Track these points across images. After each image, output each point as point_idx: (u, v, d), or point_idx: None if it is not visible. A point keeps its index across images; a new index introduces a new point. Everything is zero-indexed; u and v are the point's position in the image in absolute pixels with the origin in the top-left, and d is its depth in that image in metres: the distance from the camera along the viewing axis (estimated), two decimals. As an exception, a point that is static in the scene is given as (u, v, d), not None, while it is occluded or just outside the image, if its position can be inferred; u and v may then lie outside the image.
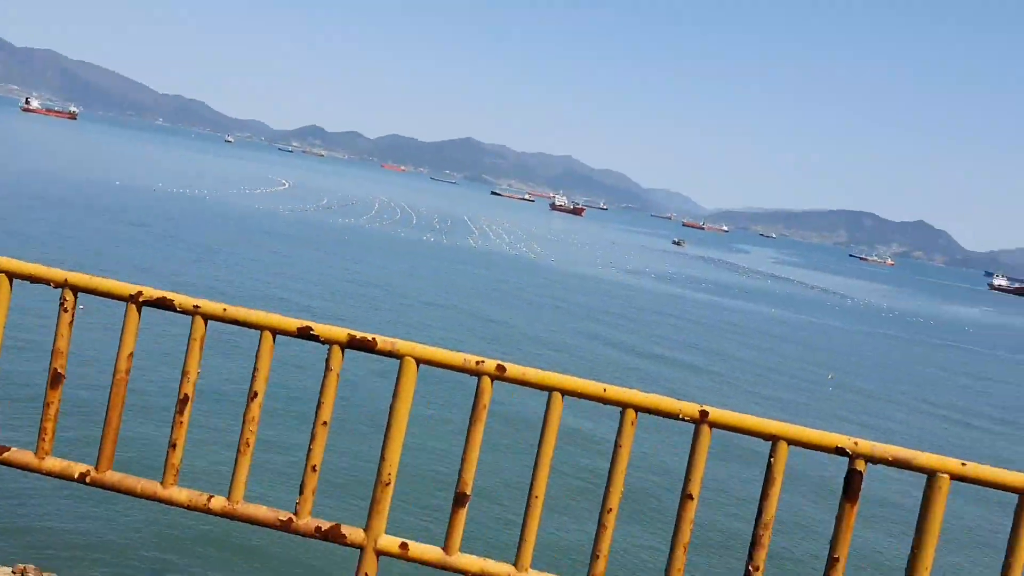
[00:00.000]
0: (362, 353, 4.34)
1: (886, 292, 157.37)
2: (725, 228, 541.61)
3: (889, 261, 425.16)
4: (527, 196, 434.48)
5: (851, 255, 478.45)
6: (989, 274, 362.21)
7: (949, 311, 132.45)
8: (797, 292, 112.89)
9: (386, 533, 3.93)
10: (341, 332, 4.22)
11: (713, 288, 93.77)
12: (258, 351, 4.39)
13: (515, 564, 3.88)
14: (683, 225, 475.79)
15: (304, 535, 4.02)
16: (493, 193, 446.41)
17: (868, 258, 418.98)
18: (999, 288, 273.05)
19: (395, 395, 4.00)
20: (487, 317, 44.47)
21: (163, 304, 4.33)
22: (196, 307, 4.31)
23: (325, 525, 3.94)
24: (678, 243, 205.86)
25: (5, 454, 4.50)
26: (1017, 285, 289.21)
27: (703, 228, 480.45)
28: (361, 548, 3.86)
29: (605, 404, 4.15)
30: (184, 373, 4.34)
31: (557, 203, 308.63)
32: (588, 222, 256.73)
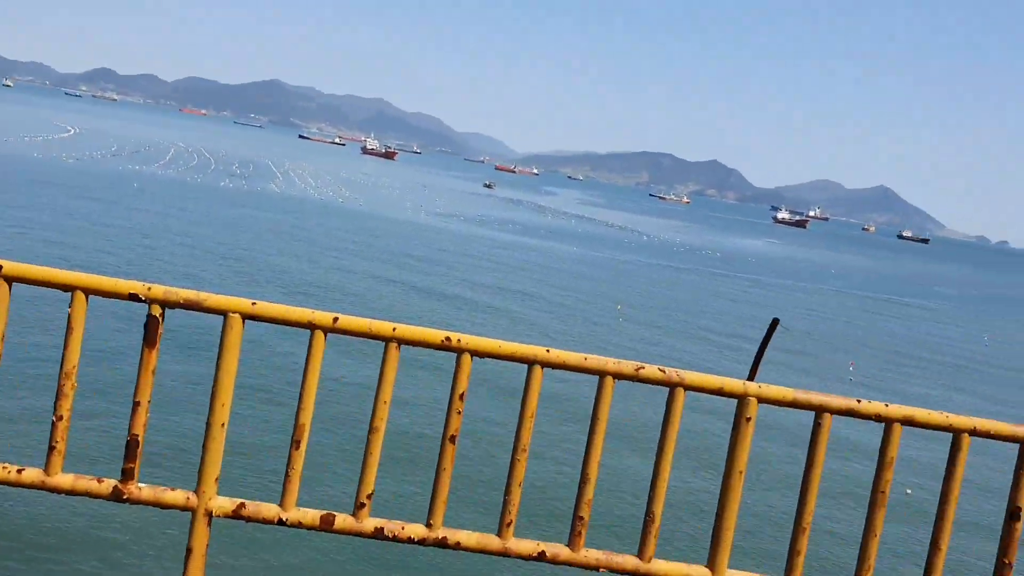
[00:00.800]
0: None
1: (680, 228, 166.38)
2: (535, 171, 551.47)
3: (685, 199, 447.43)
4: (337, 140, 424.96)
5: (651, 195, 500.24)
6: (774, 208, 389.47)
7: (736, 244, 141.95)
8: (599, 231, 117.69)
9: (219, 495, 3.71)
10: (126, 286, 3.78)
11: (520, 229, 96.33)
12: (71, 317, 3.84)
13: (353, 514, 3.75)
14: (495, 169, 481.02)
15: (135, 502, 3.75)
16: (301, 137, 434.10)
17: (666, 197, 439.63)
18: (782, 221, 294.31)
19: (221, 354, 3.73)
20: (281, 266, 44.23)
21: None
22: None
23: (156, 490, 3.69)
24: (489, 186, 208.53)
25: None
26: (797, 217, 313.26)
27: (514, 171, 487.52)
28: (192, 511, 3.63)
29: (439, 349, 3.96)
30: None
31: (368, 147, 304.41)
32: (400, 166, 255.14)
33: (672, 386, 3.65)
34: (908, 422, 3.89)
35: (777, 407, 3.89)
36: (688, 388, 3.66)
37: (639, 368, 3.68)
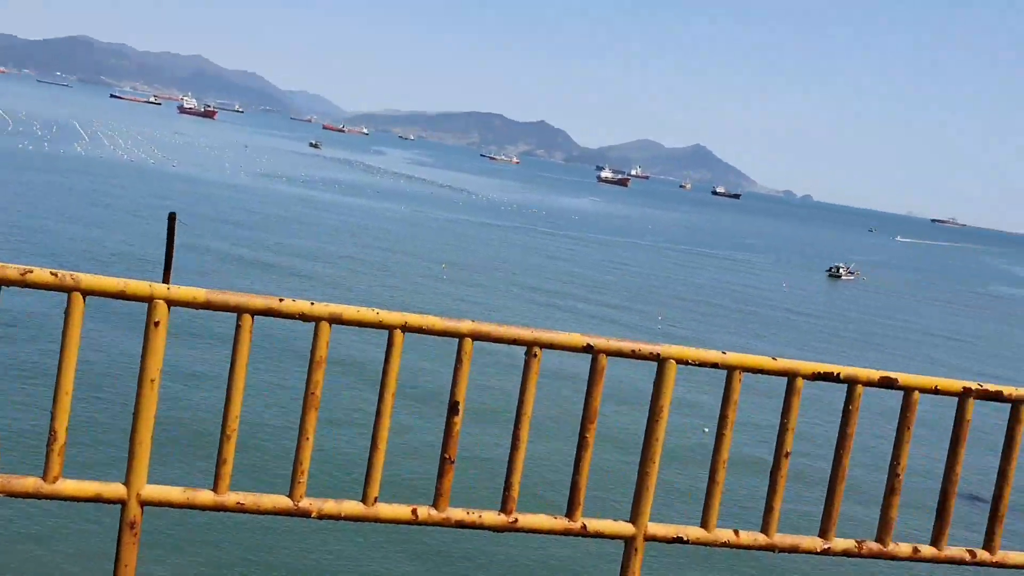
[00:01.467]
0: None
1: (509, 188, 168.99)
2: (365, 131, 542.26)
3: (515, 160, 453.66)
4: (153, 99, 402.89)
5: (482, 155, 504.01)
6: (599, 168, 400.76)
7: (562, 202, 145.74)
8: (429, 191, 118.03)
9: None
10: None
11: (348, 190, 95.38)
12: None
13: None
14: (323, 128, 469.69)
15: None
16: (113, 96, 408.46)
17: (496, 157, 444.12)
18: (606, 180, 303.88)
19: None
20: (65, 232, 42.42)
21: None
22: None
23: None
24: (315, 146, 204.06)
25: None
26: (620, 176, 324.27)
27: (343, 131, 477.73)
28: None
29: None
30: None
31: (186, 106, 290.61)
32: (220, 125, 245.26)
33: (68, 290, 3.40)
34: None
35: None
36: (86, 292, 3.41)
37: (25, 272, 3.36)
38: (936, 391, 4.29)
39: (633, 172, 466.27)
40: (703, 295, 56.23)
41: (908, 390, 4.24)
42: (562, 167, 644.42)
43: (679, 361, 3.99)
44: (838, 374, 4.14)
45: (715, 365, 4.05)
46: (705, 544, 4.14)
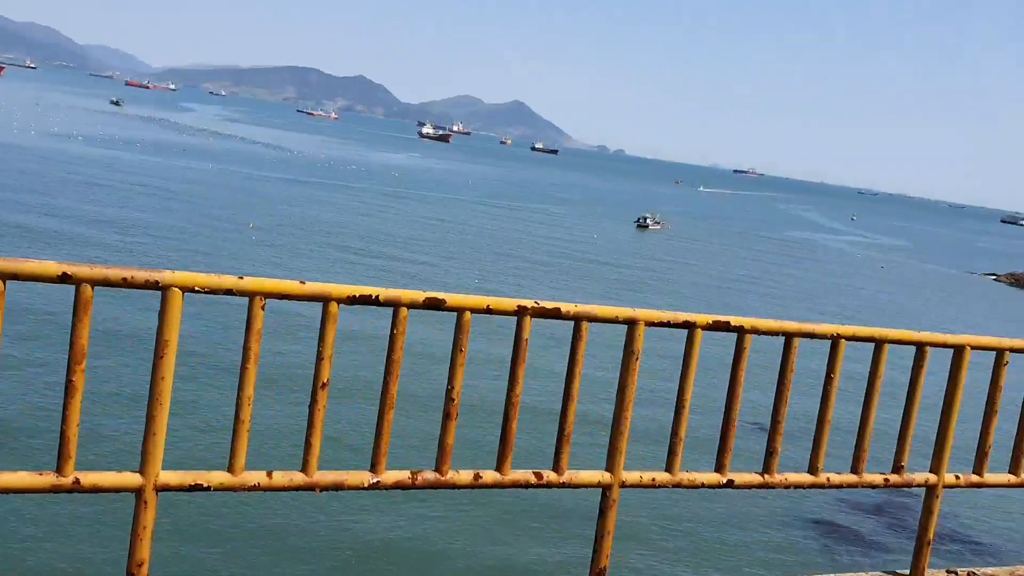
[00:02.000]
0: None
1: (327, 144, 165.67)
2: (172, 86, 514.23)
3: (333, 115, 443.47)
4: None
5: (299, 110, 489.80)
6: (420, 124, 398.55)
7: (381, 158, 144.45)
8: (241, 148, 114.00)
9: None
10: None
11: (151, 149, 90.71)
12: None
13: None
14: (126, 84, 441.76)
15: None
16: None
17: (315, 112, 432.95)
18: (427, 136, 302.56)
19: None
20: None
21: None
22: None
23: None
24: (116, 103, 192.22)
25: None
26: (441, 132, 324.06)
27: (148, 87, 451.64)
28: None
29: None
30: None
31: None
32: (7, 83, 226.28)
33: None
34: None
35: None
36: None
37: None
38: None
39: (454, 128, 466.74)
40: (518, 248, 57.66)
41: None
42: (383, 123, 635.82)
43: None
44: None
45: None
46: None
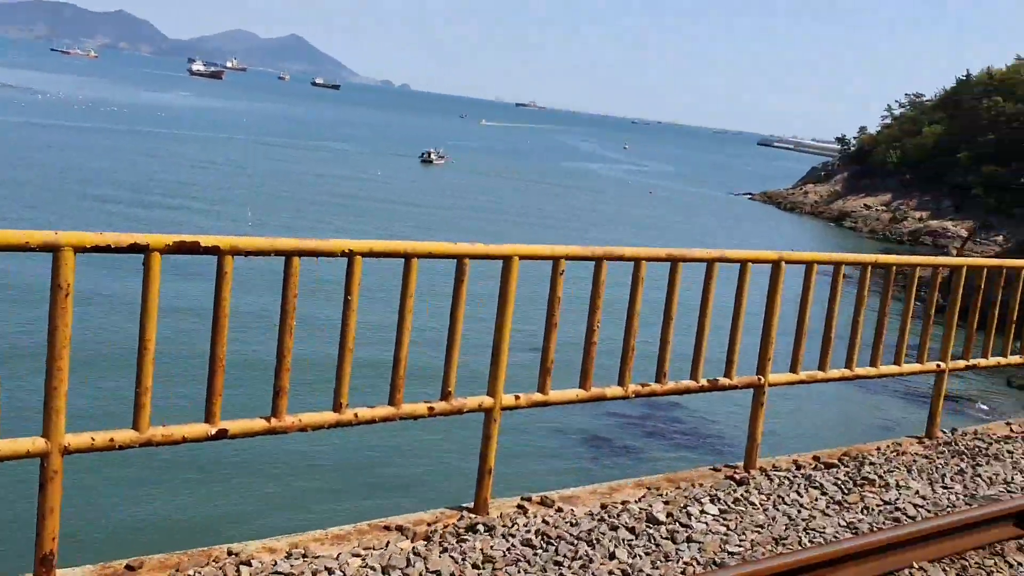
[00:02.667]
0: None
1: (86, 84, 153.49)
2: None
3: (92, 54, 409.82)
4: None
5: (53, 49, 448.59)
6: (191, 61, 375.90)
7: (148, 98, 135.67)
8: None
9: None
10: None
11: None
12: None
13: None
14: None
15: None
16: None
17: (71, 51, 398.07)
18: (198, 73, 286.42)
19: None
20: None
21: None
22: None
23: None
24: None
25: None
26: (213, 69, 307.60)
27: None
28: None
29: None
30: None
31: None
32: None
33: None
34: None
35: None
36: None
37: None
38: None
39: (228, 64, 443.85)
40: (299, 188, 56.54)
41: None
42: (150, 61, 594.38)
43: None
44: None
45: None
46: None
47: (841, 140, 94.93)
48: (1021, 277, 7.86)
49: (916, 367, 7.38)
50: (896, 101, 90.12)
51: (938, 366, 7.52)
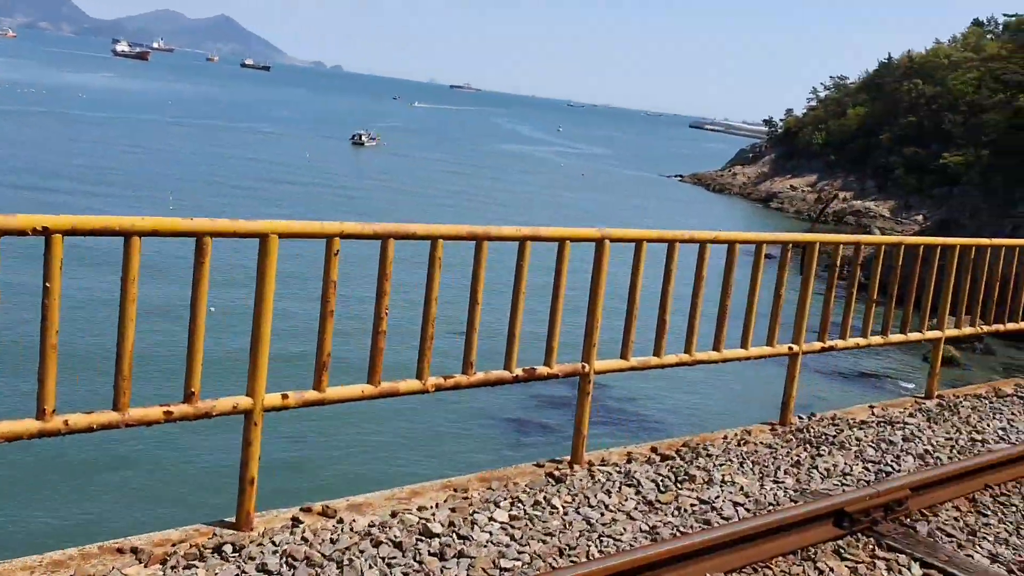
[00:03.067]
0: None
1: (2, 65, 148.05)
2: None
3: (11, 33, 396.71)
4: None
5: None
6: (115, 41, 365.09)
7: (68, 79, 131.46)
8: None
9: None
10: None
11: None
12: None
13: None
14: None
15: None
16: None
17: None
18: (122, 54, 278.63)
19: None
20: None
21: None
22: None
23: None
24: None
25: None
26: (138, 50, 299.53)
27: None
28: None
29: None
30: None
31: None
32: None
33: None
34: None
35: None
36: None
37: None
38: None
39: (155, 45, 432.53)
40: (224, 172, 55.35)
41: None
42: (72, 40, 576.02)
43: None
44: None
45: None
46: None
47: (768, 122, 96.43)
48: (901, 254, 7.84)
49: (766, 350, 6.93)
50: (821, 84, 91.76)
51: (790, 348, 7.15)
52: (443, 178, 68.54)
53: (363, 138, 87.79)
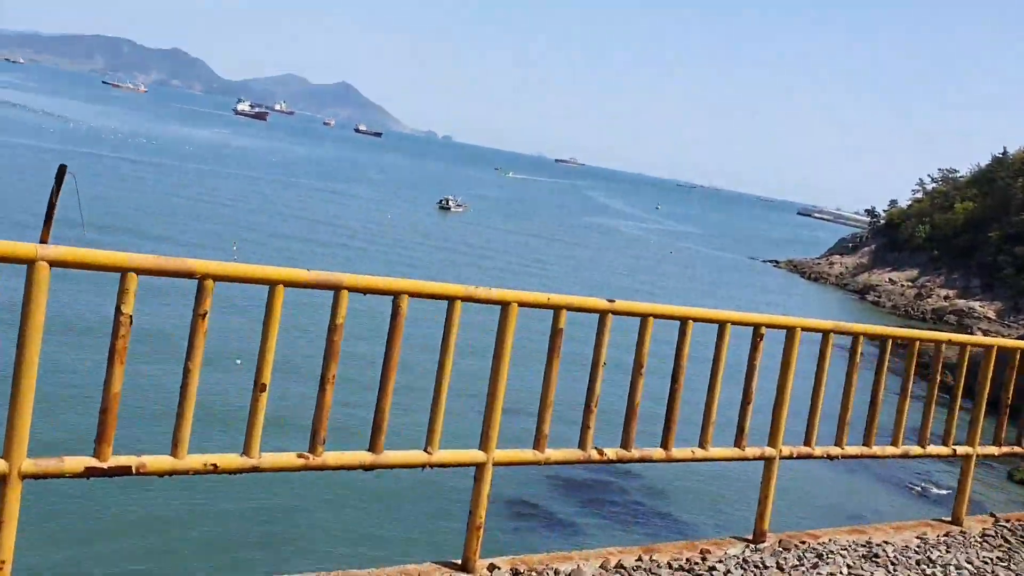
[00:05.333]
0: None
1: (124, 116, 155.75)
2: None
3: (142, 88, 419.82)
4: None
5: (104, 82, 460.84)
6: (239, 101, 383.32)
7: (182, 133, 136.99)
8: (11, 115, 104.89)
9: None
10: None
11: None
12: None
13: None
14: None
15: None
16: None
17: (121, 85, 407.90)
18: (242, 113, 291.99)
19: None
20: None
21: None
22: None
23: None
24: None
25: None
26: (258, 110, 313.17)
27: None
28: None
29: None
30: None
31: None
32: None
33: None
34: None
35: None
36: None
37: None
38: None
39: (276, 107, 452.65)
40: (302, 227, 55.45)
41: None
42: (199, 98, 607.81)
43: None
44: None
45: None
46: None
47: (870, 212, 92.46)
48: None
49: (943, 450, 7.02)
50: (928, 175, 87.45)
51: (954, 451, 7.11)
52: (517, 245, 67.35)
53: (450, 203, 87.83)
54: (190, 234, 45.13)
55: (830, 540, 6.23)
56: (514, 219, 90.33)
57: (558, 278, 53.21)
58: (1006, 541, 6.85)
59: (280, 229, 52.63)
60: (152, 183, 63.42)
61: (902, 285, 73.23)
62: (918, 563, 6.06)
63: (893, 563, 6.01)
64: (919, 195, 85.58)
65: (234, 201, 62.12)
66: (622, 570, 5.11)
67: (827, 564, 5.74)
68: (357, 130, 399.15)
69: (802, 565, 5.64)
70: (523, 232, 78.73)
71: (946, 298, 67.57)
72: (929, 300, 68.11)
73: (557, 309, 4.74)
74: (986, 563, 6.30)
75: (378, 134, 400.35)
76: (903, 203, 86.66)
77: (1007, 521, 7.38)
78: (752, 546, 5.87)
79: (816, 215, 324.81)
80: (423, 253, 53.59)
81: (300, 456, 4.05)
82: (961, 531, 6.99)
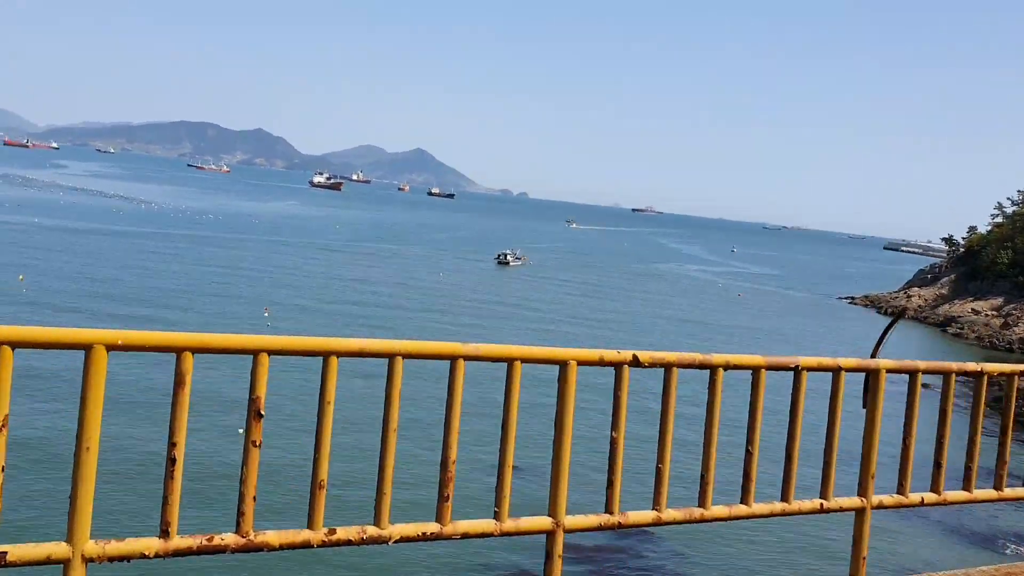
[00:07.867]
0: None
1: (199, 196, 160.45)
2: (55, 145, 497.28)
3: (225, 169, 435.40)
4: None
5: (189, 164, 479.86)
6: (317, 173, 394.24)
7: (252, 207, 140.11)
8: (87, 202, 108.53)
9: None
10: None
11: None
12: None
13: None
14: (4, 144, 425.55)
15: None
16: None
17: (205, 167, 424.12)
18: (318, 185, 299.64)
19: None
20: None
21: None
22: None
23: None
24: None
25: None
26: (333, 181, 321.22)
27: (28, 146, 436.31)
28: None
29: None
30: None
31: None
32: None
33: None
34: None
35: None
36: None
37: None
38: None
39: (354, 177, 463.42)
40: (340, 291, 54.86)
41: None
42: (279, 174, 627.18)
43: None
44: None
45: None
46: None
47: (948, 240, 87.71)
48: None
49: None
50: (1008, 198, 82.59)
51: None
52: (576, 298, 65.50)
53: (508, 257, 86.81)
54: (217, 302, 44.73)
55: None
56: (575, 270, 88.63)
57: (604, 325, 51.21)
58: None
59: (322, 295, 52.04)
60: (182, 257, 63.84)
61: (986, 315, 68.75)
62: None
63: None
64: (999, 219, 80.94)
65: (278, 270, 62.06)
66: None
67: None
68: (430, 193, 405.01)
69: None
70: (579, 283, 76.91)
71: (1035, 326, 63.04)
72: (1016, 329, 63.63)
73: (618, 366, 4.55)
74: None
75: (451, 195, 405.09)
76: (982, 229, 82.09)
77: None
78: None
79: (904, 248, 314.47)
80: (469, 308, 52.29)
81: (361, 530, 3.93)
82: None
